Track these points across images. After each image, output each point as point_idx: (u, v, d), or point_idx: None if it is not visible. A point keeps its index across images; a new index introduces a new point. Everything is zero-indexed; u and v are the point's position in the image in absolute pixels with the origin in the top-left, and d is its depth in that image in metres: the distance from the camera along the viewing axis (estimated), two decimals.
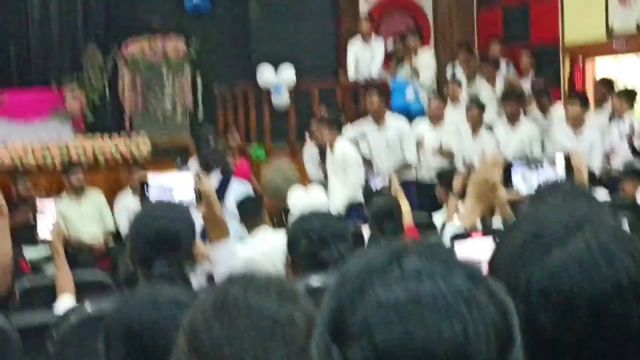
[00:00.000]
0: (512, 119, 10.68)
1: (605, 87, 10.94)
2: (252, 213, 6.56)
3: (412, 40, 12.60)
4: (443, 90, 12.13)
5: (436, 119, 11.02)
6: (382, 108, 10.33)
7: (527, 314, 1.44)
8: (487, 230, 2.58)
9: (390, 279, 1.21)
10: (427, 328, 1.17)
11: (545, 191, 3.07)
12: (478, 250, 2.34)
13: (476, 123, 10.67)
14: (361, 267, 1.24)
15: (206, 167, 7.37)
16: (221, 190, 8.20)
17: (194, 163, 8.69)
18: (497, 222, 4.97)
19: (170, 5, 15.15)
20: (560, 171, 3.32)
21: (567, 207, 1.64)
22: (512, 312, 1.24)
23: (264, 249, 6.06)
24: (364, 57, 12.60)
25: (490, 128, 10.87)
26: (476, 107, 10.76)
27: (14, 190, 9.89)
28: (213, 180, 7.11)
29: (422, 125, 11.06)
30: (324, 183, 9.58)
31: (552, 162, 3.36)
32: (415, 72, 12.51)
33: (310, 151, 10.83)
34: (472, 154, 10.31)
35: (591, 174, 6.85)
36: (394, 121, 10.46)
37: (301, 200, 8.61)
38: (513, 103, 10.68)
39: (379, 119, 10.28)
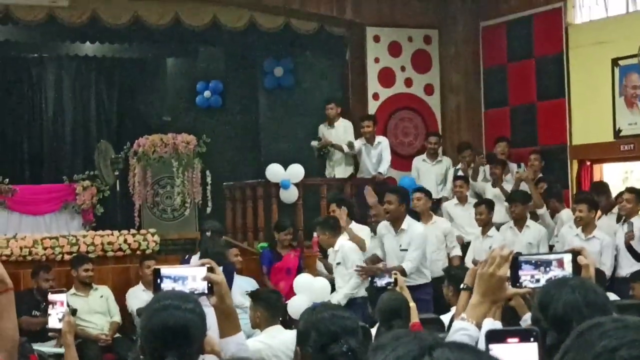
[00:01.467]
0: (519, 221, 10.63)
1: (602, 192, 10.82)
2: (275, 306, 6.59)
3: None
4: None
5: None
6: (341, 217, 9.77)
7: None
8: (524, 334, 2.53)
9: None
10: None
11: (553, 286, 3.08)
12: (516, 356, 2.32)
13: (485, 223, 10.65)
14: (393, 358, 1.26)
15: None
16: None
17: (196, 258, 8.68)
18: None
19: (182, 100, 15.36)
20: (568, 270, 3.31)
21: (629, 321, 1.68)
22: None
23: (273, 343, 6.08)
24: (369, 157, 12.68)
25: (497, 228, 10.84)
26: (485, 206, 10.73)
27: (33, 283, 9.90)
28: None
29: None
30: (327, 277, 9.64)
31: (560, 262, 3.35)
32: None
33: None
34: (481, 253, 10.22)
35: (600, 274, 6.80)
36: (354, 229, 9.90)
37: (304, 283, 8.67)
38: (519, 205, 10.60)
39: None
